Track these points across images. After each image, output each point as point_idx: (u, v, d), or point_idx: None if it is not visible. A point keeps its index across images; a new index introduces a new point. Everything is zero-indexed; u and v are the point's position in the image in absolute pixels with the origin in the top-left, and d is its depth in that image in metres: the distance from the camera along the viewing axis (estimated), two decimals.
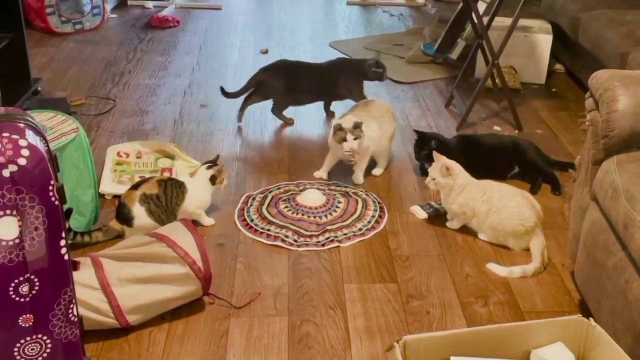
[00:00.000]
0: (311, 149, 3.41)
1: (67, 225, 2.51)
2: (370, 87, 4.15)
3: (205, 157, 3.26)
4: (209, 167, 2.74)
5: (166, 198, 2.63)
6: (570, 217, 2.44)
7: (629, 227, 1.85)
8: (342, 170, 3.19)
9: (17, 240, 1.54)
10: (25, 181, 1.50)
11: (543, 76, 4.25)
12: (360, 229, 2.75)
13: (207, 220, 2.75)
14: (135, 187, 2.65)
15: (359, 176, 3.09)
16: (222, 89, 3.66)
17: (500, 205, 2.62)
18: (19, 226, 1.52)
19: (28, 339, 1.64)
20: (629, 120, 2.07)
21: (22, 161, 1.49)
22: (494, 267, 2.53)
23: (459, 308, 2.34)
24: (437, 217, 2.84)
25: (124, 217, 2.59)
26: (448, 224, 2.78)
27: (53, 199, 1.54)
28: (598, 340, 1.78)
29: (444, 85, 4.20)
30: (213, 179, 2.72)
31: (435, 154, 2.73)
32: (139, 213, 2.59)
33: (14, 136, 1.50)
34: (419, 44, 4.71)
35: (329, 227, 2.74)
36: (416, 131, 3.18)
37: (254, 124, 3.66)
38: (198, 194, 2.71)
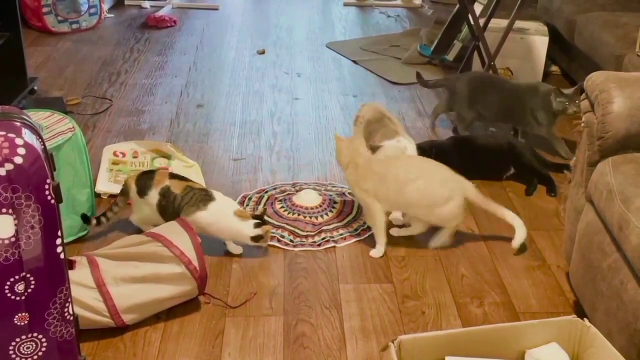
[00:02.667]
0: (310, 150, 3.42)
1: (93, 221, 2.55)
2: (368, 88, 4.17)
3: (201, 156, 3.27)
4: (257, 226, 2.49)
5: (181, 201, 2.51)
6: (565, 218, 2.44)
7: (624, 229, 1.86)
8: (339, 172, 3.19)
9: (12, 239, 1.54)
10: (21, 180, 1.50)
11: (539, 78, 4.25)
12: (356, 229, 2.75)
13: (234, 248, 2.59)
14: (172, 176, 2.58)
15: None
16: (418, 75, 3.71)
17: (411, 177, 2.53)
18: (15, 225, 1.52)
19: (23, 337, 1.64)
20: (624, 122, 2.08)
21: (18, 160, 1.49)
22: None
23: (454, 308, 2.35)
24: None
25: (143, 185, 2.55)
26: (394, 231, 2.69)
27: (49, 197, 1.54)
28: (592, 341, 1.79)
29: None
30: (257, 239, 2.50)
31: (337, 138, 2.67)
32: (152, 197, 2.54)
33: (10, 135, 1.50)
34: (416, 45, 4.72)
35: (324, 228, 2.74)
36: None
37: (250, 124, 3.66)
38: (211, 221, 2.51)
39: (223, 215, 2.52)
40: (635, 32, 3.45)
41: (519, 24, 4.02)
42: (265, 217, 2.60)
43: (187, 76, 4.28)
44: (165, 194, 2.53)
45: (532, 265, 2.57)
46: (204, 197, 2.53)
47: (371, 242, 2.69)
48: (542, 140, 3.47)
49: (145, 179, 2.58)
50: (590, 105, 2.20)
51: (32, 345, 1.65)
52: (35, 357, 1.67)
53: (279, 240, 2.66)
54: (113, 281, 2.13)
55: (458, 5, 4.20)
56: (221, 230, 2.54)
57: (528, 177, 3.11)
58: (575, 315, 1.85)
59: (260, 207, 2.67)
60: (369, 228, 2.75)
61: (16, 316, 1.61)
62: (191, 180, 2.64)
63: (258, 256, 2.58)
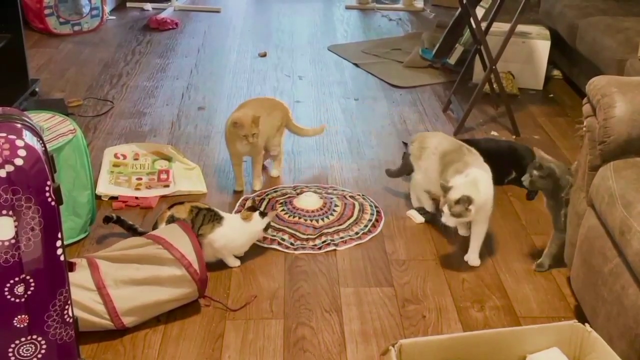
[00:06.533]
0: (311, 153, 3.41)
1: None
2: (369, 91, 4.16)
3: (202, 159, 3.27)
4: (262, 215, 2.51)
5: (193, 226, 2.42)
6: (566, 222, 2.44)
7: (625, 233, 1.86)
8: (340, 174, 3.19)
9: (12, 241, 1.54)
10: (21, 181, 1.50)
11: (541, 82, 4.26)
12: (356, 233, 2.75)
13: (233, 262, 2.53)
14: (171, 206, 2.52)
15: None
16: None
17: None
18: (15, 226, 1.52)
19: (23, 339, 1.63)
20: (625, 127, 2.07)
21: (18, 161, 1.49)
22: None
23: (455, 312, 2.34)
24: (434, 221, 2.84)
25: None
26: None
27: (49, 199, 1.54)
28: (593, 346, 1.78)
29: (441, 90, 4.21)
30: (268, 227, 2.53)
31: None
32: None
33: (11, 136, 1.50)
34: (417, 48, 4.72)
35: (325, 231, 2.74)
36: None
37: None
38: (231, 235, 2.49)
39: (237, 227, 2.50)
40: (637, 36, 3.45)
41: (520, 28, 4.01)
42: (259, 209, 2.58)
43: (188, 78, 4.28)
44: (172, 222, 2.44)
45: (533, 269, 2.57)
46: (215, 216, 2.49)
47: (371, 245, 2.69)
48: (542, 146, 3.47)
49: (154, 224, 2.51)
50: (592, 110, 2.20)
51: (31, 347, 1.65)
52: (35, 359, 1.67)
53: (279, 244, 2.65)
54: (113, 283, 2.13)
55: (460, 9, 4.20)
56: (242, 243, 2.51)
57: None
58: (576, 320, 1.84)
59: (248, 202, 2.72)
60: (369, 231, 2.76)
61: (16, 318, 1.61)
62: (193, 202, 2.58)
63: (258, 259, 2.58)
